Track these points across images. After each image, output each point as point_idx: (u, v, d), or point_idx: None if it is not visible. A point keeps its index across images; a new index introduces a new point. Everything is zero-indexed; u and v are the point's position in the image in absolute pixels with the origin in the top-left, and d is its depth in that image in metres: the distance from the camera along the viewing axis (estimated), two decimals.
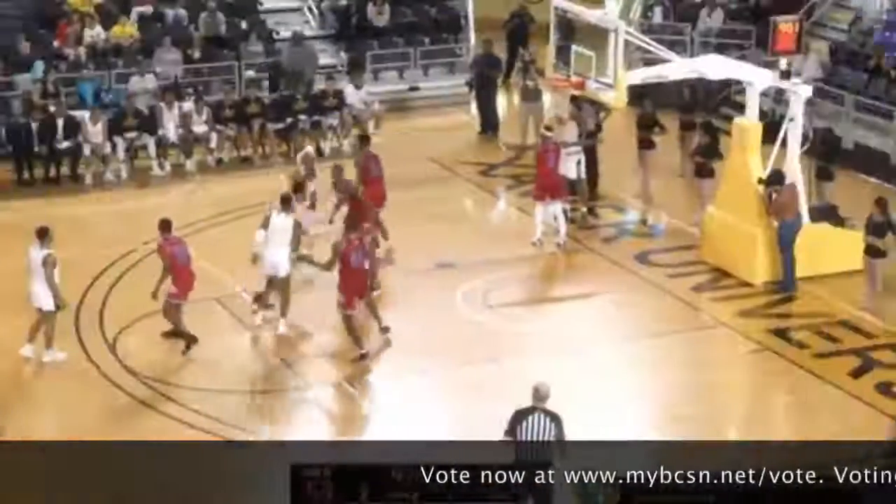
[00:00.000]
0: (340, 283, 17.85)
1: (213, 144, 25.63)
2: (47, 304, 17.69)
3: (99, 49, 27.16)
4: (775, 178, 20.06)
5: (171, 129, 25.35)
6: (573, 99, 22.86)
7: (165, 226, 18.22)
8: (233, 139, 25.91)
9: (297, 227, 18.81)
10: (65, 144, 24.65)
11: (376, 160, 21.27)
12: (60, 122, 24.65)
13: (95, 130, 24.75)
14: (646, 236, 22.64)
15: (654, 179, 23.89)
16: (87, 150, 24.74)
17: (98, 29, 27.47)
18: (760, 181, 20.13)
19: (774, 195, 19.96)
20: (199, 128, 25.55)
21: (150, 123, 25.30)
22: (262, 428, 16.28)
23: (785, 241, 19.89)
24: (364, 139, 22.61)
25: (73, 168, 24.91)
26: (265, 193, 23.96)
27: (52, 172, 24.81)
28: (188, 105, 25.76)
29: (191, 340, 17.99)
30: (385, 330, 18.51)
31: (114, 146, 25.04)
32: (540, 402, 13.29)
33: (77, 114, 25.11)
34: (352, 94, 26.72)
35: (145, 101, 25.85)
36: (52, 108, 24.97)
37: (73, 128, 24.72)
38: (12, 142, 24.71)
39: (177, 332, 18.06)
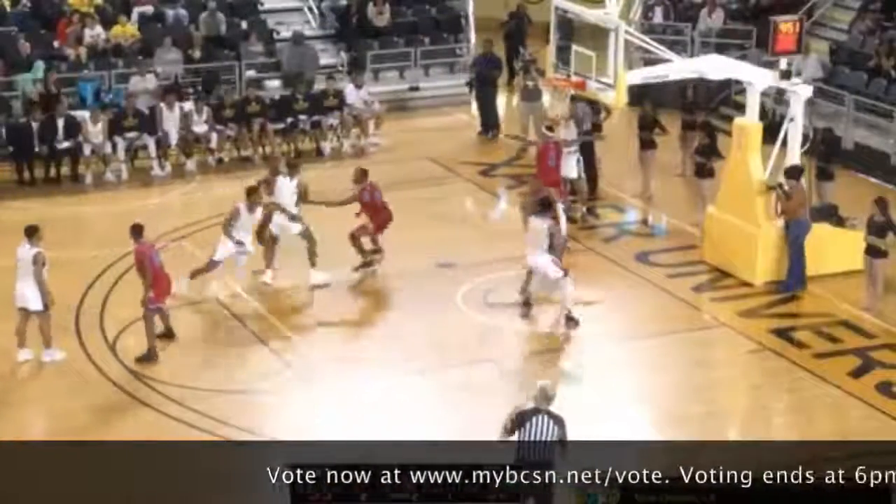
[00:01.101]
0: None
1: (213, 144, 25.61)
2: (34, 304, 17.59)
3: (99, 49, 27.15)
4: (793, 173, 20.04)
5: (171, 130, 25.32)
6: (573, 99, 22.89)
7: (138, 230, 17.93)
8: (233, 139, 25.89)
9: (301, 186, 20.25)
10: (65, 145, 24.63)
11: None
12: (60, 123, 24.64)
13: (95, 130, 24.73)
14: (646, 236, 22.64)
15: (655, 179, 23.91)
16: (87, 151, 24.72)
17: (98, 29, 27.46)
18: (770, 188, 20.11)
19: (783, 195, 19.91)
20: (199, 128, 25.52)
21: (150, 123, 25.27)
22: (262, 428, 16.26)
23: (800, 240, 19.85)
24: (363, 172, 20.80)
25: (73, 168, 24.89)
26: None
27: (52, 172, 24.81)
28: (188, 105, 25.73)
29: (153, 354, 17.79)
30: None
31: (114, 146, 25.02)
32: (544, 404, 13.27)
33: (77, 114, 25.09)
34: (352, 94, 26.70)
35: (145, 102, 25.82)
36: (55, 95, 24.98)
37: (74, 128, 24.71)
38: (12, 142, 24.70)
39: (158, 335, 17.95)
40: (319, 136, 26.36)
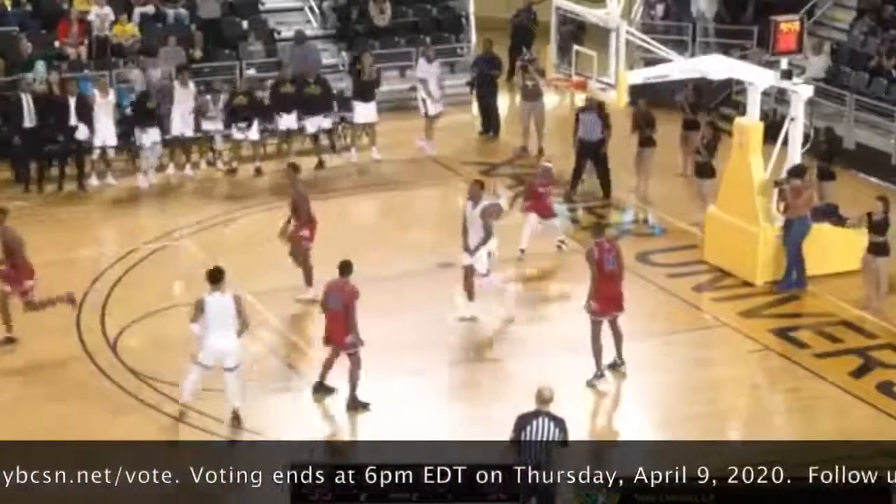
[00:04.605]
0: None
1: (217, 146, 25.35)
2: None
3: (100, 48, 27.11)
4: (797, 172, 20.07)
5: (185, 112, 24.65)
6: (583, 109, 22.99)
7: (345, 267, 16.83)
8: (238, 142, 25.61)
9: None
10: (82, 132, 24.22)
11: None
12: (72, 101, 24.05)
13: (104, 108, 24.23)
14: (646, 236, 22.63)
15: (654, 179, 23.88)
16: (96, 143, 24.34)
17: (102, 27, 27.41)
18: (777, 183, 20.14)
19: (790, 192, 19.92)
20: (213, 125, 25.03)
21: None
22: (263, 428, 16.26)
23: (801, 239, 19.86)
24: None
25: (79, 167, 24.74)
26: (267, 193, 24.07)
27: (53, 172, 24.73)
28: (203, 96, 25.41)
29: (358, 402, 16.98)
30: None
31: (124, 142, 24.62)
32: (544, 406, 13.25)
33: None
34: (423, 68, 26.66)
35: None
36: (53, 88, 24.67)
37: (86, 108, 24.07)
38: (12, 142, 24.64)
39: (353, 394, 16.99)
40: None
